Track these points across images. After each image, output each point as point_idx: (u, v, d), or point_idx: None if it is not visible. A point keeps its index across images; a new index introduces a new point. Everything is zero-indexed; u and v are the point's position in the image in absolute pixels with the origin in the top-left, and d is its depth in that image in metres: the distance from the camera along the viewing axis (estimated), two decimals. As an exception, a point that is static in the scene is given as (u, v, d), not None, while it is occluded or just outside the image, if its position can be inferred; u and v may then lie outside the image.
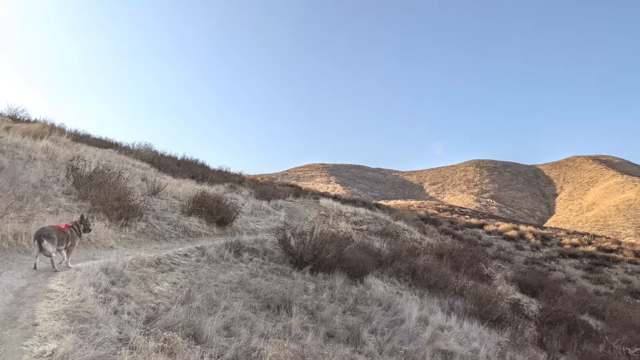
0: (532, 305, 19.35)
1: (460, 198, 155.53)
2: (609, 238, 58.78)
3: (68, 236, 8.62)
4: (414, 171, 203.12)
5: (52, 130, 21.35)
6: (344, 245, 14.63)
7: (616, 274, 40.48)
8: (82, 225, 9.19)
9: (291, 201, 30.70)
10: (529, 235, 51.31)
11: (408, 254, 18.28)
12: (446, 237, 36.14)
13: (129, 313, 6.84)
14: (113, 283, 7.82)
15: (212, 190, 21.32)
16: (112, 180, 14.65)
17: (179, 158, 32.24)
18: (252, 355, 6.81)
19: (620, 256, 44.97)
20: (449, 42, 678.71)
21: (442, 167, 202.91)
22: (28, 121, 23.60)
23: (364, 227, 26.35)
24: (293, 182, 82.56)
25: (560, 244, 49.18)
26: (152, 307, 7.42)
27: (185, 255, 11.33)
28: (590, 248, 47.20)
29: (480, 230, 53.14)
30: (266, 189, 31.53)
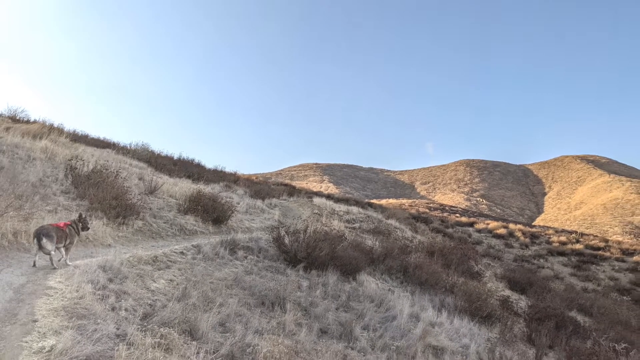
0: (521, 302, 19.43)
1: (450, 197, 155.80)
2: (596, 236, 59.10)
3: (67, 234, 8.63)
4: (406, 170, 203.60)
5: (51, 130, 21.28)
6: (337, 243, 14.65)
7: (603, 271, 40.71)
8: (81, 224, 9.20)
9: (285, 200, 30.67)
10: (518, 234, 51.49)
11: (400, 252, 18.32)
12: (437, 235, 36.29)
13: (126, 310, 6.86)
14: (111, 280, 7.83)
15: (208, 189, 21.31)
16: (109, 180, 14.64)
17: (175, 158, 32.17)
18: (247, 350, 6.84)
19: (607, 254, 45.24)
20: (440, 43, 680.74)
21: (433, 166, 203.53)
22: (27, 121, 23.51)
23: (357, 225, 26.39)
24: (287, 181, 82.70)
25: (548, 242, 49.41)
26: (149, 304, 7.44)
27: (182, 253, 11.34)
28: (578, 246, 47.43)
29: (471, 229, 53.28)
30: (261, 188, 31.50)
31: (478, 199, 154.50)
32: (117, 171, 16.14)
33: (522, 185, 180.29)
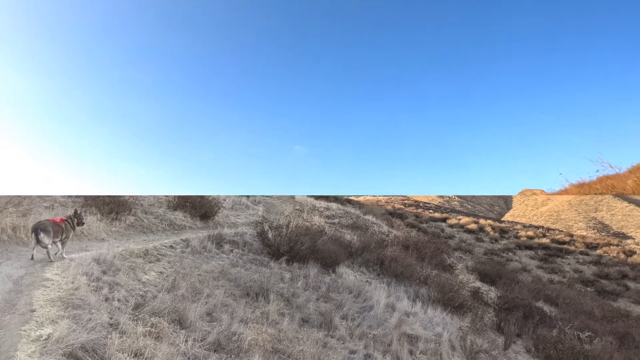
0: (491, 293, 19.58)
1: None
2: (562, 231, 59.81)
3: (63, 229, 8.67)
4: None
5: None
6: (317, 237, 14.72)
7: (568, 264, 41.29)
8: (76, 219, 9.24)
9: (268, 197, 30.66)
10: (488, 229, 51.92)
11: (376, 246, 18.39)
12: (412, 230, 36.38)
13: (119, 300, 6.92)
14: (104, 272, 7.88)
15: (196, 186, 21.27)
16: (102, 177, 14.62)
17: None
18: (233, 339, 6.93)
19: (572, 248, 45.89)
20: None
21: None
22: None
23: (336, 220, 26.41)
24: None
25: (517, 237, 49.89)
26: (141, 295, 7.50)
27: (171, 246, 11.37)
28: (544, 240, 48.03)
29: (443, 224, 53.56)
30: (247, 185, 31.41)
31: (450, 195, 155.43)
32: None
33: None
